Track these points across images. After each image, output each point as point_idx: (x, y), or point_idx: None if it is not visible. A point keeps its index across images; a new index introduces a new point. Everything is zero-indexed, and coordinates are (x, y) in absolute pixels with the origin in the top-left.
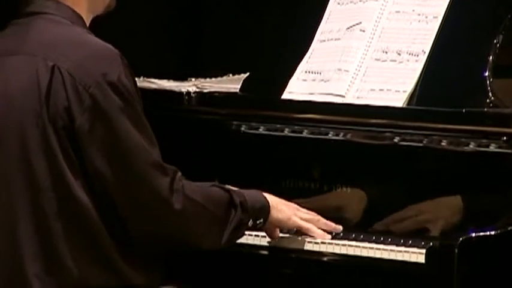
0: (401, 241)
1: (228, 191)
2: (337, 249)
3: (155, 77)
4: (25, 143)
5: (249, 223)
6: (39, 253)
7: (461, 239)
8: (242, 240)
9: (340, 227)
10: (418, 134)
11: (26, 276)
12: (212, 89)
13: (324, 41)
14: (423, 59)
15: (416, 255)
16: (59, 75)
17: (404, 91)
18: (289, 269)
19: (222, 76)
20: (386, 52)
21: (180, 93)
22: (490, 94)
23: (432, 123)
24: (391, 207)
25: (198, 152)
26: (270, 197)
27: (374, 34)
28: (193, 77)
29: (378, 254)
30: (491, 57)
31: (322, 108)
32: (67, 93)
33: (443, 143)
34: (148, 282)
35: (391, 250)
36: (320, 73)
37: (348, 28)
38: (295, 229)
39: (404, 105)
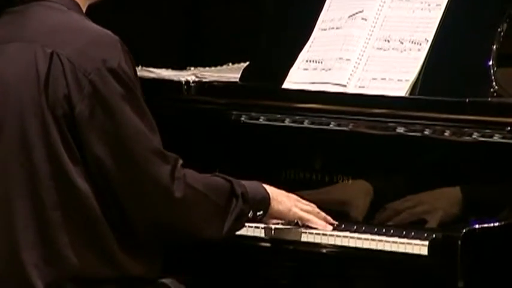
0: (404, 233)
1: (230, 181)
2: (339, 241)
3: (154, 66)
4: (24, 131)
5: (250, 215)
6: (37, 242)
7: (464, 230)
8: (242, 232)
9: (337, 223)
10: (420, 124)
11: (23, 265)
12: (211, 78)
13: (325, 29)
14: (426, 47)
15: (419, 247)
16: (58, 62)
17: (407, 80)
18: (290, 261)
19: (221, 65)
20: (388, 41)
21: (179, 83)
22: (494, 83)
23: (435, 113)
24: (393, 198)
25: (198, 143)
26: (270, 189)
27: (376, 22)
28: (192, 66)
29: (380, 246)
30: (494, 46)
31: (323, 97)
32: (66, 80)
33: (446, 133)
34: (148, 273)
35: (394, 242)
36: (321, 62)
37: (350, 16)
38: (295, 220)
39: (407, 95)
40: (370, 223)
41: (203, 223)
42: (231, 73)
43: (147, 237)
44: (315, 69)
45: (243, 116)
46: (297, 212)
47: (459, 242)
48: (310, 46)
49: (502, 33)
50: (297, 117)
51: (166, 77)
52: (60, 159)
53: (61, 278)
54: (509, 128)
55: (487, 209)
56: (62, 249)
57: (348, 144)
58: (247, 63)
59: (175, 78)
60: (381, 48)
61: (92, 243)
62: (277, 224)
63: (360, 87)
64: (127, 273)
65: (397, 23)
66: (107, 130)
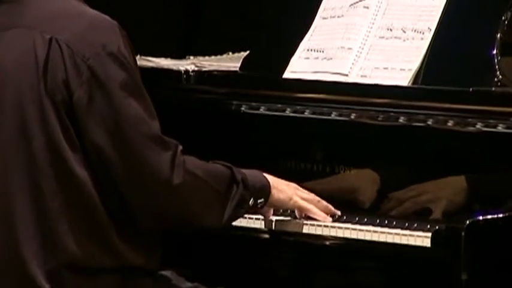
0: (406, 224)
1: (230, 167)
2: (340, 233)
3: (152, 55)
4: (22, 118)
5: (250, 202)
6: (36, 231)
7: (468, 222)
8: (242, 223)
9: (339, 212)
10: (423, 114)
11: (22, 254)
12: (211, 68)
13: (327, 18)
14: (429, 36)
15: (421, 238)
16: (57, 48)
17: (410, 69)
18: (290, 252)
19: (221, 54)
20: (390, 29)
21: (178, 72)
22: (498, 73)
23: (438, 102)
24: (395, 188)
25: (197, 133)
26: (270, 177)
27: (378, 11)
28: (191, 55)
29: (382, 238)
30: (499, 35)
31: (324, 87)
32: (65, 65)
33: (449, 123)
34: (148, 264)
35: (396, 234)
36: (323, 51)
37: (352, 5)
38: (295, 211)
39: (410, 84)
40: (372, 214)
41: (203, 210)
42: (231, 62)
43: (147, 225)
44: (316, 58)
45: (243, 106)
46: (297, 200)
47: (462, 234)
48: (312, 35)
49: (506, 22)
50: (298, 107)
51: (165, 66)
52: (59, 146)
53: (60, 267)
54: None
55: (491, 200)
56: (61, 237)
57: (349, 134)
58: (248, 52)
59: (175, 68)
60: (383, 37)
61: (91, 231)
62: (278, 215)
63: (362, 76)
64: (127, 263)
65: (399, 11)
66: (106, 116)
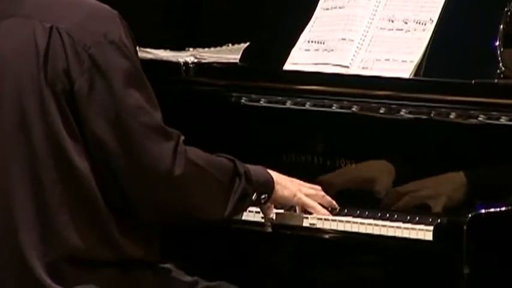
0: (408, 218)
1: (233, 160)
2: (341, 226)
3: (151, 47)
4: (21, 108)
5: (254, 197)
6: (35, 222)
7: (470, 215)
8: (244, 217)
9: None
10: (425, 106)
11: (21, 245)
12: (211, 59)
13: (328, 9)
14: (431, 27)
15: (423, 232)
16: (58, 36)
17: (411, 61)
18: (291, 246)
19: (221, 46)
20: (392, 21)
21: (178, 64)
22: (501, 64)
23: (440, 94)
24: (397, 182)
25: (196, 125)
26: (274, 173)
27: (380, 2)
28: (191, 46)
29: (383, 231)
30: (501, 26)
31: (325, 79)
32: (66, 54)
33: (451, 116)
34: (147, 257)
35: (397, 227)
36: (323, 43)
37: None
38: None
39: (411, 76)
40: (374, 208)
41: (205, 202)
42: (230, 54)
43: (147, 218)
44: (317, 50)
45: (243, 98)
46: (301, 197)
47: (465, 227)
48: (312, 26)
49: (509, 13)
50: (299, 99)
51: (165, 58)
52: (59, 137)
53: (60, 259)
54: None
55: (494, 193)
56: (61, 229)
57: (350, 126)
58: (248, 44)
59: (174, 59)
60: (384, 29)
61: (91, 224)
62: (279, 209)
63: (363, 68)
64: (126, 255)
65: (401, 2)
66: (107, 105)
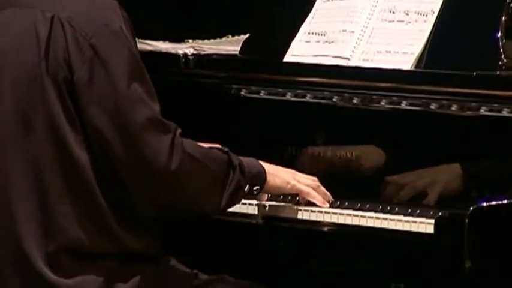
0: (409, 211)
1: (226, 152)
2: (342, 219)
3: (150, 38)
4: (22, 99)
5: (246, 189)
6: (35, 213)
7: (471, 208)
8: (242, 210)
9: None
10: (426, 98)
11: (20, 236)
12: (210, 51)
13: (328, 0)
14: (432, 19)
15: (424, 225)
16: (59, 26)
17: (412, 53)
18: (289, 239)
19: (221, 37)
20: (393, 12)
21: (177, 56)
22: (503, 56)
23: (441, 86)
24: (398, 174)
25: (196, 117)
26: (266, 165)
27: None
28: (190, 38)
29: (384, 224)
30: (503, 18)
31: (326, 71)
32: (67, 44)
33: (453, 108)
34: (148, 249)
35: (398, 220)
36: (324, 34)
37: None
38: (296, 198)
39: (412, 68)
40: (374, 201)
41: (201, 194)
42: (230, 46)
43: (145, 210)
44: (317, 41)
45: (243, 90)
46: (295, 184)
47: (466, 220)
48: (313, 18)
49: (510, 5)
50: (299, 91)
51: (164, 50)
52: (60, 127)
53: (59, 250)
54: None
55: (496, 186)
56: (61, 220)
57: (351, 118)
58: (247, 35)
59: (173, 51)
60: (385, 20)
61: (90, 215)
62: (278, 201)
63: (363, 60)
64: (126, 247)
65: None
66: (106, 95)
